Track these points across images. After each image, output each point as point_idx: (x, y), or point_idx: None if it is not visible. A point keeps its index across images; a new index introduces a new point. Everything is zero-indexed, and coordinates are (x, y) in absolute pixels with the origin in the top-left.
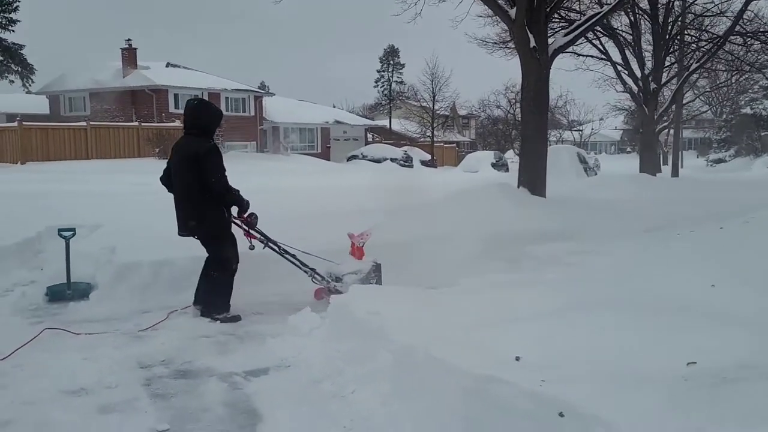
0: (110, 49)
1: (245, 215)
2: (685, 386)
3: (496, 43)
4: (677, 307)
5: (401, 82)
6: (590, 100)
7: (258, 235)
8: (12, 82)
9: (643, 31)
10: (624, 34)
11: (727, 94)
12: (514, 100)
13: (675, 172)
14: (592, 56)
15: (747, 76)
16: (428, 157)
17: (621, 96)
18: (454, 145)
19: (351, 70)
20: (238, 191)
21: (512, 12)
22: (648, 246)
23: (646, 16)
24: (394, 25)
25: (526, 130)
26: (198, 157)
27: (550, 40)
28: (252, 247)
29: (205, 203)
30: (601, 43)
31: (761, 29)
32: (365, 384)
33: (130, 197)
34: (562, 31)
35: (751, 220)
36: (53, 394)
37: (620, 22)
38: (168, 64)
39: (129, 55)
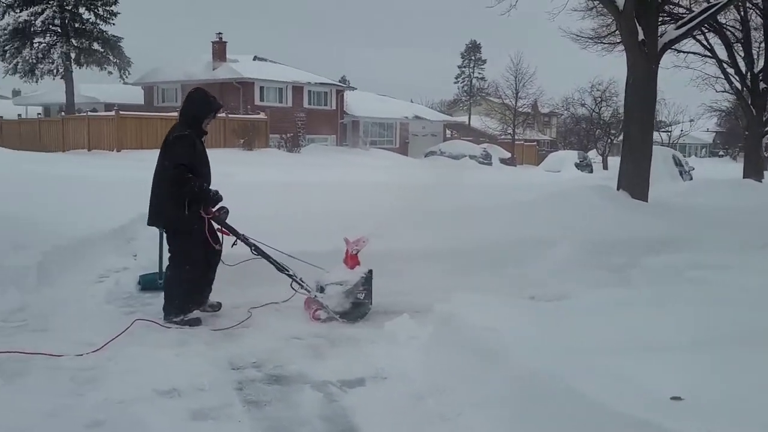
0: (202, 42)
1: (214, 209)
2: None
3: (591, 37)
4: None
5: (482, 78)
6: (682, 100)
7: (231, 232)
8: (110, 73)
9: (753, 27)
10: (732, 30)
11: None
12: (599, 99)
13: None
14: (695, 53)
15: None
16: (508, 155)
17: (718, 96)
18: (535, 143)
19: (429, 65)
20: (201, 184)
21: (620, 2)
22: None
23: (757, 11)
24: (474, 21)
25: (630, 129)
26: (165, 144)
27: (659, 33)
28: (220, 246)
29: (165, 195)
30: (706, 39)
31: None
32: (477, 407)
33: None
34: (672, 25)
35: None
36: (146, 393)
37: (727, 17)
38: (255, 58)
39: (219, 49)
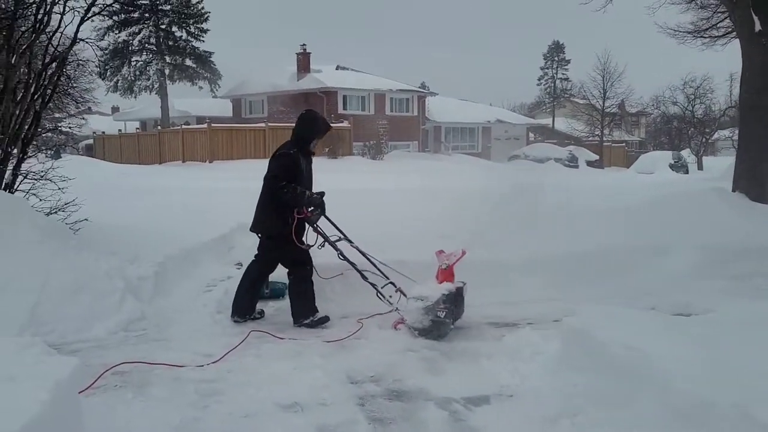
0: (287, 54)
1: (307, 210)
2: None
3: (689, 32)
4: None
5: (566, 79)
6: None
7: (319, 233)
8: (201, 87)
9: None
10: None
11: None
12: (693, 96)
13: None
14: None
15: None
16: (595, 157)
17: None
18: (623, 144)
19: (510, 68)
20: (295, 188)
21: None
22: None
23: None
24: (555, 22)
25: (748, 127)
26: (271, 159)
27: None
28: (308, 246)
29: (269, 205)
30: None
31: None
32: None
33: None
34: None
35: None
36: (269, 407)
37: None
38: (338, 67)
39: (303, 60)
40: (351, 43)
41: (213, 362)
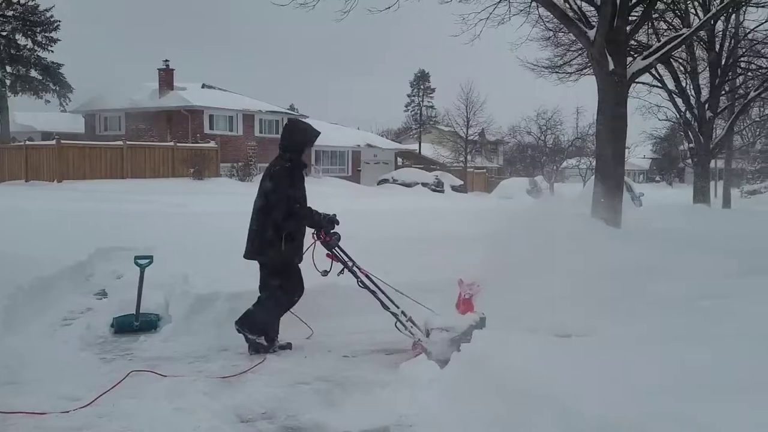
0: (146, 70)
1: (323, 235)
2: None
3: (546, 67)
4: None
5: (431, 107)
6: None
7: (339, 259)
8: (48, 101)
9: (699, 59)
10: (681, 62)
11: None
12: (545, 127)
13: (727, 203)
14: (644, 83)
15: None
16: (459, 182)
17: (658, 124)
18: (484, 170)
19: (377, 94)
20: (311, 211)
21: (591, 33)
22: None
23: (703, 45)
24: (421, 50)
25: (603, 157)
26: (270, 178)
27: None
28: (325, 273)
29: (265, 229)
30: (656, 70)
31: None
32: None
33: (175, 218)
34: (638, 57)
35: None
36: None
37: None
38: (203, 86)
39: (166, 76)
40: (216, 63)
41: (81, 407)
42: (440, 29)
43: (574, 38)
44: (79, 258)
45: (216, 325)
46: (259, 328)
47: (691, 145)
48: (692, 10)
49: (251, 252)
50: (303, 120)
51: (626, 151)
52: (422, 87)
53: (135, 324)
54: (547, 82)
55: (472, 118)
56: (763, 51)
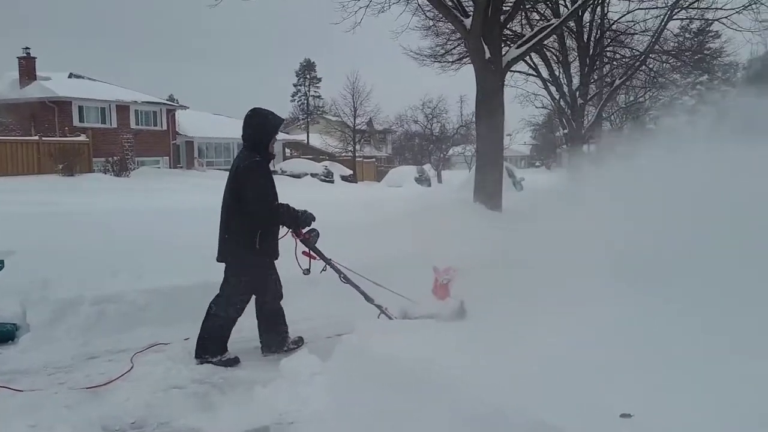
0: (4, 59)
1: (304, 231)
2: None
3: (429, 56)
4: None
5: (319, 97)
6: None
7: (319, 255)
8: None
9: (570, 48)
10: (553, 51)
11: (633, 111)
12: (431, 115)
13: None
14: (521, 72)
15: (656, 93)
16: (348, 172)
17: (536, 112)
18: (374, 159)
19: (262, 84)
20: (288, 207)
21: (467, 22)
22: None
23: (572, 35)
24: (307, 40)
25: (483, 144)
26: (237, 174)
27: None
28: (307, 272)
29: (237, 228)
30: (531, 59)
31: (675, 49)
32: None
33: (41, 218)
34: (512, 46)
35: None
36: None
37: (550, 39)
38: (71, 75)
39: (27, 65)
40: (84, 53)
41: None
42: (324, 18)
43: (453, 28)
44: None
45: (82, 332)
46: (220, 344)
47: (565, 131)
48: (561, 1)
49: (224, 254)
50: (262, 108)
51: (508, 138)
52: (308, 77)
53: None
54: (430, 71)
55: (359, 108)
56: (626, 41)
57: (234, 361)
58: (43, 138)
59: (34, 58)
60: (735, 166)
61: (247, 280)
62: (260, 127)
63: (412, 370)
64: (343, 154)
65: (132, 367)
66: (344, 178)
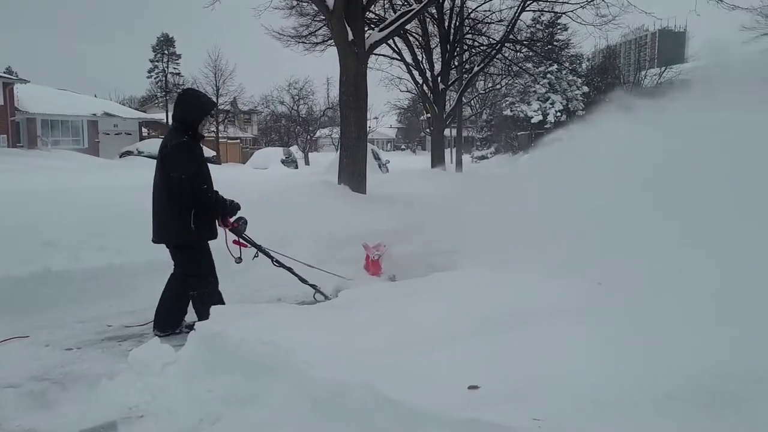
0: None
1: (232, 220)
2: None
3: (292, 36)
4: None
5: (178, 74)
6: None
7: (249, 244)
8: None
9: (431, 34)
10: (415, 36)
11: (491, 97)
12: (297, 97)
13: (459, 167)
14: (385, 55)
15: (512, 80)
16: (212, 153)
17: (401, 96)
18: (238, 141)
19: (118, 59)
20: (217, 194)
21: (330, 2)
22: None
23: (434, 21)
24: (166, 14)
25: (347, 126)
26: (164, 155)
27: (366, 36)
28: (239, 260)
29: (172, 210)
30: (395, 43)
31: (527, 39)
32: (259, 431)
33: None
34: (375, 29)
35: None
36: None
37: (412, 24)
38: None
39: None
40: None
41: None
42: None
43: (317, 8)
44: None
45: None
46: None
47: (428, 115)
48: None
49: (159, 236)
50: (195, 89)
51: (374, 121)
52: (166, 53)
53: None
54: (295, 52)
55: (222, 87)
56: (483, 30)
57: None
58: None
59: None
60: None
61: (193, 261)
62: (191, 107)
63: (261, 354)
64: (206, 135)
65: None
66: (208, 160)
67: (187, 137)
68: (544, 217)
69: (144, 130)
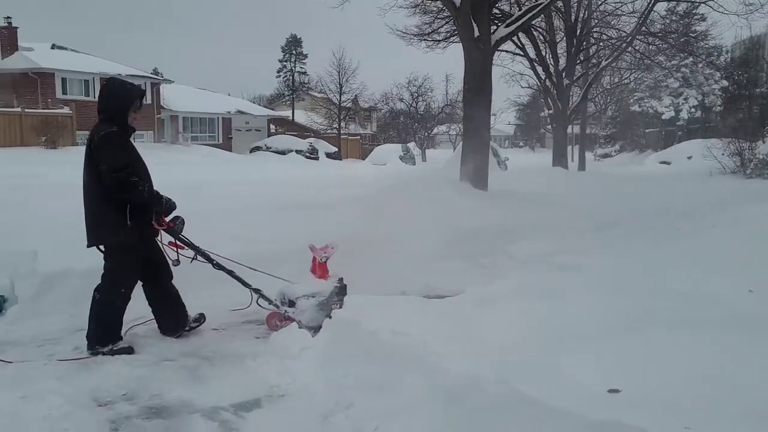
0: None
1: (167, 220)
2: None
3: (415, 34)
4: (731, 316)
5: (304, 73)
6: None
7: (185, 246)
8: None
9: (557, 29)
10: (540, 31)
11: (618, 92)
12: (416, 94)
13: (582, 166)
14: (508, 51)
15: (641, 75)
16: (333, 149)
17: (521, 92)
18: (358, 137)
19: (249, 60)
20: (151, 188)
21: (457, 0)
22: (637, 245)
23: (559, 13)
24: (294, 15)
25: (470, 122)
26: (91, 148)
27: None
28: (177, 262)
29: (102, 207)
30: (518, 39)
31: (661, 31)
32: (395, 418)
33: (22, 190)
34: (501, 24)
35: (718, 224)
36: None
37: (537, 19)
38: (54, 46)
39: (9, 35)
40: (64, 24)
41: None
42: None
43: (442, 6)
44: None
45: (71, 304)
46: (107, 335)
47: (550, 111)
48: None
49: (91, 237)
50: (121, 78)
51: (492, 117)
52: (294, 53)
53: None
54: (416, 49)
55: (345, 85)
56: (612, 22)
57: (128, 350)
58: (26, 110)
59: (16, 27)
60: None
61: (127, 262)
62: (115, 97)
63: (394, 344)
64: (328, 131)
65: (122, 340)
66: (329, 156)
67: (115, 128)
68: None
69: (272, 126)
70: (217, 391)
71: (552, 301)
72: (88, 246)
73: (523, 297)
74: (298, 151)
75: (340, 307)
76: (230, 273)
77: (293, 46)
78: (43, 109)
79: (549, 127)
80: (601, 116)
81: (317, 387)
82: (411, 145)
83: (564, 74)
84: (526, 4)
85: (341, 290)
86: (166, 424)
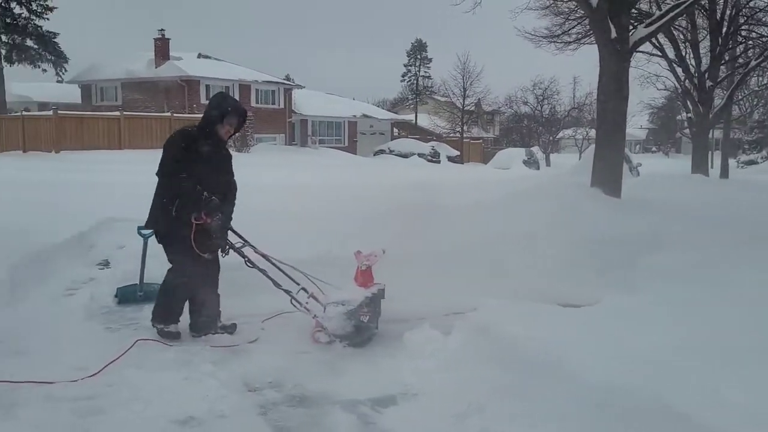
0: (142, 39)
1: (206, 217)
2: None
3: (545, 36)
4: None
5: (428, 77)
6: None
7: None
8: (45, 71)
9: (699, 28)
10: (681, 30)
11: (766, 95)
12: (541, 97)
13: (725, 173)
14: (644, 52)
15: None
16: (455, 153)
17: (656, 94)
18: (480, 141)
19: (373, 64)
20: (192, 187)
21: (593, 1)
22: None
23: (704, 13)
24: (418, 19)
25: (604, 126)
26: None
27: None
28: (210, 255)
29: (160, 204)
30: (657, 39)
31: None
32: (531, 426)
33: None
34: (641, 24)
35: None
36: (162, 424)
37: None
38: (199, 55)
39: (162, 46)
40: (210, 33)
41: (89, 376)
42: None
43: (574, 6)
44: (80, 228)
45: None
46: (162, 314)
47: (689, 114)
48: None
49: (149, 221)
50: (230, 96)
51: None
52: (419, 57)
53: (139, 294)
54: (544, 52)
55: (469, 89)
56: (764, 19)
57: (173, 335)
58: (175, 114)
59: (168, 39)
60: None
61: (173, 250)
62: (211, 107)
63: (533, 350)
64: (451, 135)
65: (263, 330)
66: (451, 159)
67: (192, 129)
68: None
69: (395, 130)
70: (355, 386)
71: (698, 316)
72: (145, 227)
73: (665, 310)
74: (420, 155)
75: (370, 318)
76: (263, 272)
77: (418, 51)
78: (188, 113)
79: (686, 131)
80: (747, 120)
81: (449, 388)
82: (535, 149)
83: (707, 75)
84: (666, 2)
85: (373, 300)
86: (308, 413)
